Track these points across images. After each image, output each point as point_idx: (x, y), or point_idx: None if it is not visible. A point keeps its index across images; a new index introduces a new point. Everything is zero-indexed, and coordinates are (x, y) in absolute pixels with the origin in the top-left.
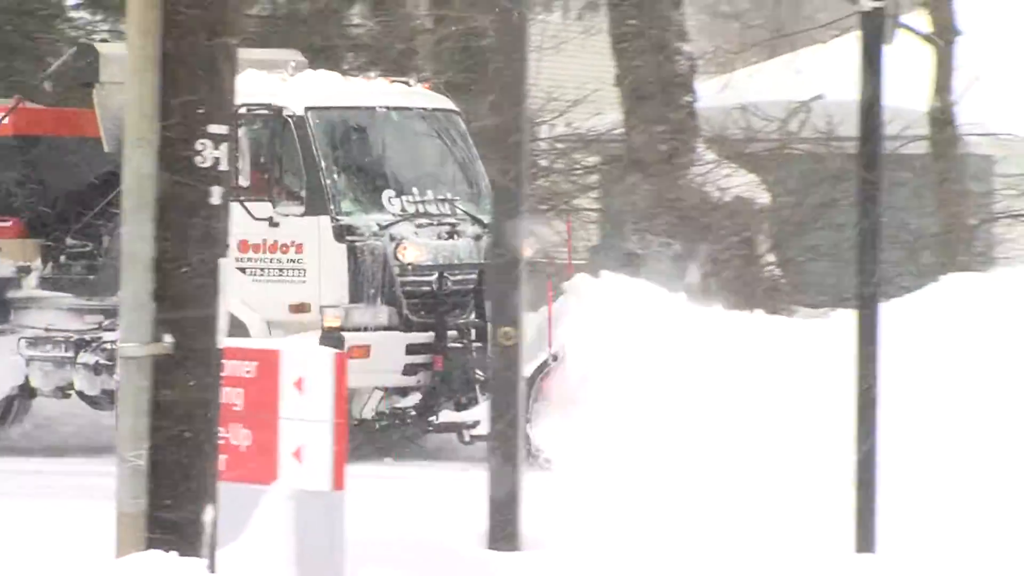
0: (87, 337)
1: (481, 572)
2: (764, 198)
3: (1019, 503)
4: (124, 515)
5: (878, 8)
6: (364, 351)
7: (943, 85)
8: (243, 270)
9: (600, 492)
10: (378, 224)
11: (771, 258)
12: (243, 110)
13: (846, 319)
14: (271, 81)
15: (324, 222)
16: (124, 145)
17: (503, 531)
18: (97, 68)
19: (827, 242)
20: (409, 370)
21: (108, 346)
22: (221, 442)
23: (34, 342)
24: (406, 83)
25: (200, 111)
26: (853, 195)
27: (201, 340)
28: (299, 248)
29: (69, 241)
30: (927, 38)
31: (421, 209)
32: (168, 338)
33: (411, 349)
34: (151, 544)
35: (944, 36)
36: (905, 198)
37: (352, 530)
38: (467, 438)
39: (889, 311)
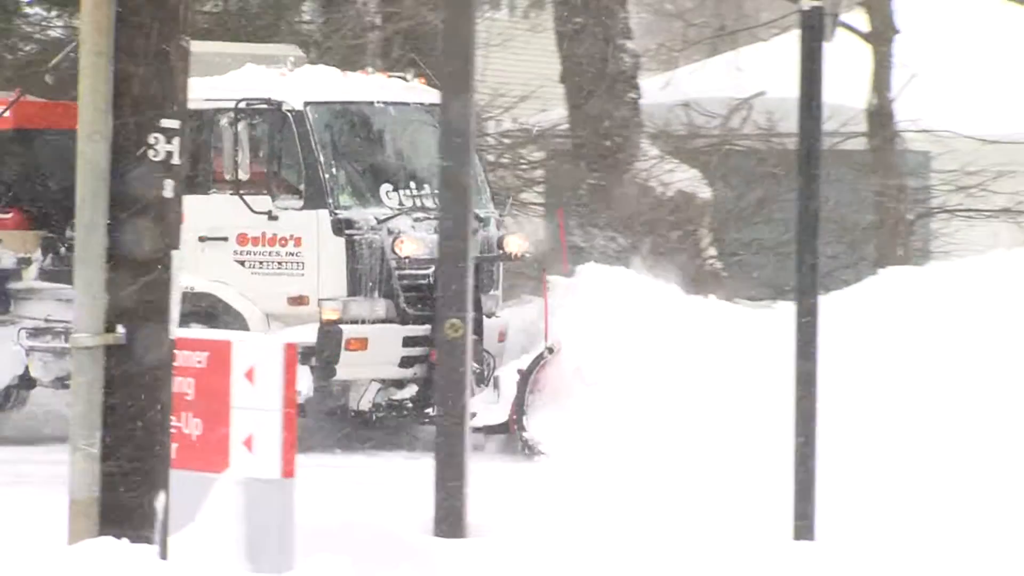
0: None
1: (423, 557)
2: (706, 193)
3: (954, 489)
4: (77, 502)
5: (818, 7)
6: (362, 343)
7: (881, 82)
8: (242, 263)
9: (569, 480)
10: (376, 218)
11: (712, 251)
12: (242, 104)
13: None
14: (270, 76)
15: (323, 216)
16: (78, 139)
17: (448, 518)
18: None
19: (768, 236)
20: (406, 362)
21: None
22: (173, 431)
23: (34, 333)
24: (403, 78)
25: (153, 106)
26: (793, 190)
27: (154, 331)
28: (298, 241)
29: (69, 233)
30: (866, 36)
31: (418, 203)
32: (121, 328)
33: (408, 342)
34: (104, 531)
35: (882, 34)
36: (844, 193)
37: (302, 517)
38: None
39: (829, 303)
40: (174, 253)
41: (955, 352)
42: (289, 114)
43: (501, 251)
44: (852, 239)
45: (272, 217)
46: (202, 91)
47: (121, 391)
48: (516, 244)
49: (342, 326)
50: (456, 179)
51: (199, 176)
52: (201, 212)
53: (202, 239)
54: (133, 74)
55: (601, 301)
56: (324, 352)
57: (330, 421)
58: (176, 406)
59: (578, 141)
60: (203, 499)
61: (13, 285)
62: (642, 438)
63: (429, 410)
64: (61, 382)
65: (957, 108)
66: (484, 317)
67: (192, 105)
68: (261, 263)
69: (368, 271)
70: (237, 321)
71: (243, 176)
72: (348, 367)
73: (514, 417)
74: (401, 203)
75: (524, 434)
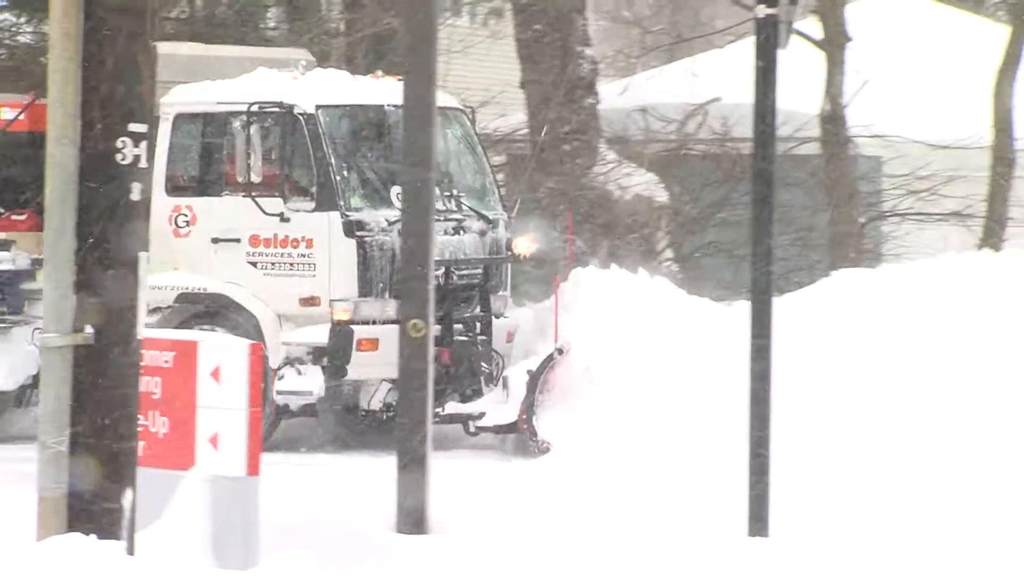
0: None
1: (387, 554)
2: (662, 196)
3: (906, 486)
4: (45, 499)
5: (772, 15)
6: (373, 344)
7: (834, 89)
8: (254, 264)
9: (564, 478)
10: (386, 220)
11: (669, 254)
12: (255, 108)
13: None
14: (282, 79)
15: (334, 217)
16: (47, 142)
17: (411, 515)
18: None
19: (723, 239)
20: None
21: None
22: (140, 429)
23: None
24: None
25: (120, 110)
26: (748, 194)
27: (121, 331)
28: (309, 243)
29: None
30: (819, 44)
31: None
32: (89, 328)
33: None
34: (72, 527)
35: (835, 42)
36: (798, 197)
37: (266, 514)
38: (472, 428)
39: (782, 305)
40: (141, 255)
41: (906, 353)
42: (301, 117)
43: (510, 252)
44: (806, 242)
45: (284, 219)
46: (214, 94)
47: (89, 390)
48: (524, 246)
49: (353, 327)
50: (416, 178)
51: (212, 179)
52: (214, 214)
53: (215, 240)
54: (101, 79)
55: (606, 301)
56: (335, 352)
57: (303, 420)
58: (143, 405)
59: (537, 145)
60: (170, 496)
61: (27, 286)
62: (649, 437)
63: (439, 409)
64: None
65: (908, 114)
66: (493, 318)
67: (205, 108)
68: (273, 264)
69: (379, 272)
70: (249, 322)
71: (255, 178)
72: (359, 367)
73: (523, 417)
74: None
75: (535, 434)
